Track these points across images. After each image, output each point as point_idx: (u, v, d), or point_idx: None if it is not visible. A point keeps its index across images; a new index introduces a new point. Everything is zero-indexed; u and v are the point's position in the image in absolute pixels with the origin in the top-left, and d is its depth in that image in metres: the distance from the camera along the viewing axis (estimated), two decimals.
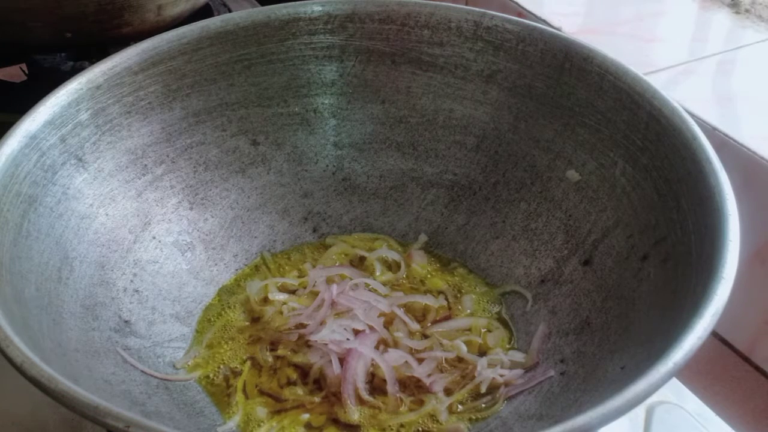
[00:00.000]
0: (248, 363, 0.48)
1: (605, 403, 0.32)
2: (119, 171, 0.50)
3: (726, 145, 0.64)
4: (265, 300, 0.52)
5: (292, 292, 0.52)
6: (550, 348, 0.48)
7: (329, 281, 0.52)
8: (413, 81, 0.56)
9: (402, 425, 0.44)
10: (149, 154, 0.52)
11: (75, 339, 0.43)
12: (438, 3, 0.55)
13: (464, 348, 0.48)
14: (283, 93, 0.56)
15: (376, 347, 0.47)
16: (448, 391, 0.46)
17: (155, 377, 0.45)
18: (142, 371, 0.45)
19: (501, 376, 0.46)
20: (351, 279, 0.52)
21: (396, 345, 0.48)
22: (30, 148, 0.45)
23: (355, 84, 0.56)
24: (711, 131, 0.65)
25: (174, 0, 0.65)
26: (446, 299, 0.52)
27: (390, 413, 0.45)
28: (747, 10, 0.83)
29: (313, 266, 0.54)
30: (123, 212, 0.50)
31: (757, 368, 0.66)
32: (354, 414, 0.45)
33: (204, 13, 0.72)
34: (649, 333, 0.41)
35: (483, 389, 0.46)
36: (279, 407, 0.46)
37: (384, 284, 0.52)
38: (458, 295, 0.52)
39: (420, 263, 0.54)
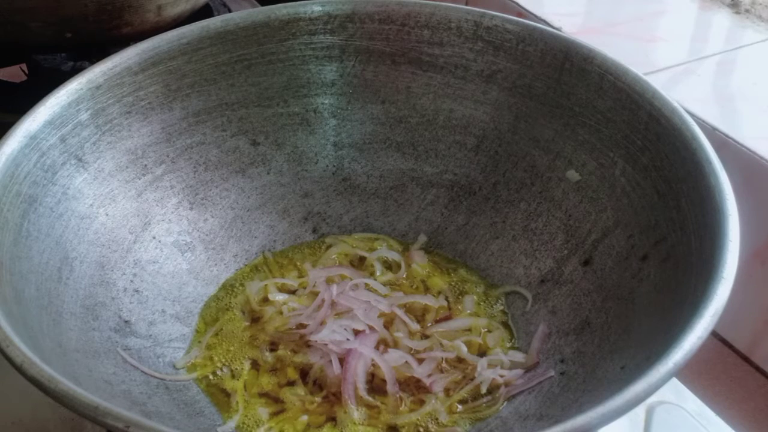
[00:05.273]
0: (248, 363, 0.48)
1: (605, 403, 0.32)
2: (119, 171, 0.50)
3: (726, 145, 0.64)
4: (265, 300, 0.52)
5: (292, 292, 0.52)
6: (550, 348, 0.48)
7: (329, 281, 0.52)
8: (413, 81, 0.56)
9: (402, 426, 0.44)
10: (149, 154, 0.52)
11: (75, 339, 0.43)
12: (438, 3, 0.55)
13: (464, 348, 0.48)
14: (283, 93, 0.56)
15: (376, 347, 0.47)
16: (448, 392, 0.46)
17: (155, 377, 0.45)
18: (142, 371, 0.45)
19: (501, 376, 0.46)
20: (351, 279, 0.52)
21: (396, 345, 0.48)
22: (30, 148, 0.45)
23: (355, 84, 0.56)
24: (711, 131, 0.65)
25: (174, 0, 0.65)
26: (446, 299, 0.52)
27: (390, 413, 0.45)
28: (747, 10, 0.83)
29: (313, 266, 0.54)
30: (123, 212, 0.50)
31: (757, 368, 0.65)
32: (354, 414, 0.45)
33: (204, 13, 0.72)
34: (649, 333, 0.41)
35: (483, 389, 0.46)
36: (279, 407, 0.46)
37: (384, 284, 0.52)
38: (458, 296, 0.52)
39: (420, 263, 0.54)
